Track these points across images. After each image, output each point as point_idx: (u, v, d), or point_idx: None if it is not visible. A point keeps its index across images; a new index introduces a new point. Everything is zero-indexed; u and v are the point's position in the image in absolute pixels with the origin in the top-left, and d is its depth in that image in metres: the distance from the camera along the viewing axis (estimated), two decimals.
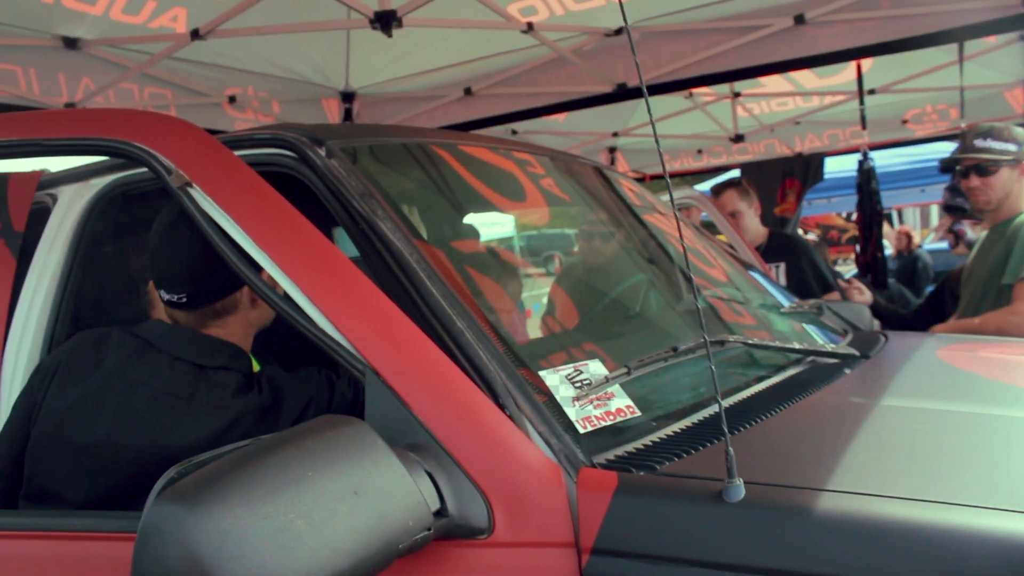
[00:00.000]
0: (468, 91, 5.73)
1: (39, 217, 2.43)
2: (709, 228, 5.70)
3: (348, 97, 5.95)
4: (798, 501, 1.29)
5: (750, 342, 2.06)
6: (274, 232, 1.62)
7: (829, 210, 13.46)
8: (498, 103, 5.72)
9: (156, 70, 4.87)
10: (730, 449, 1.31)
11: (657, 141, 1.38)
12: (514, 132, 7.11)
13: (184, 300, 1.90)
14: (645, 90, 1.39)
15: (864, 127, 6.04)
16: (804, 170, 8.69)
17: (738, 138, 7.62)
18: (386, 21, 3.49)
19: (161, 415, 1.75)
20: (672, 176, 9.86)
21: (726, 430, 1.34)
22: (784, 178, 8.80)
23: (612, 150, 8.79)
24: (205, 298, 1.90)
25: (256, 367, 2.00)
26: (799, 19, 4.54)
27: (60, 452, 1.81)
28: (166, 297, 1.92)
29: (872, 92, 6.39)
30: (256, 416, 1.74)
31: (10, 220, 2.45)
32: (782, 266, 4.91)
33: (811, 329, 2.66)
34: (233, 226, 1.63)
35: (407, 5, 3.58)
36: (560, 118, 7.12)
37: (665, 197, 4.69)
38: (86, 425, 1.79)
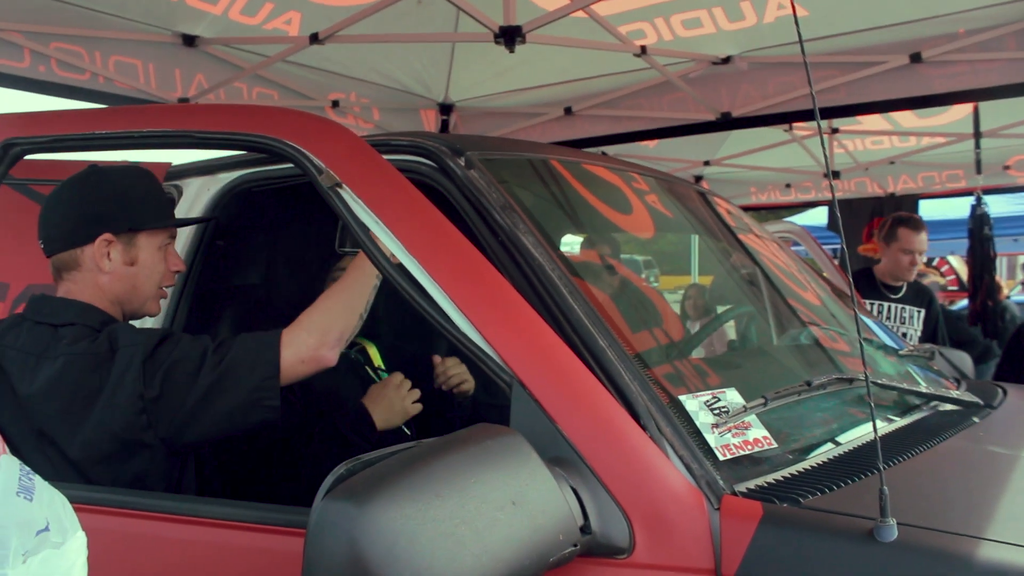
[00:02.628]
0: (568, 110, 5.73)
1: None
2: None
3: (446, 109, 5.98)
4: (956, 548, 1.26)
5: (880, 382, 2.02)
6: (423, 238, 1.63)
7: None
8: (598, 124, 5.70)
9: (266, 71, 4.96)
10: (884, 487, 1.28)
11: (829, 173, 1.37)
12: (603, 154, 7.09)
13: (42, 246, 2.03)
14: (817, 112, 1.38)
15: (979, 171, 5.88)
16: (895, 211, 8.45)
17: (833, 174, 7.48)
18: (510, 36, 3.52)
19: (16, 370, 1.89)
20: (758, 209, 9.74)
21: (881, 467, 1.32)
22: (872, 217, 8.59)
23: (698, 179, 8.68)
24: (51, 246, 2.02)
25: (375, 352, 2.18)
26: (915, 57, 4.45)
27: None
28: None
29: (978, 135, 6.23)
30: (88, 361, 1.83)
31: None
32: (923, 312, 4.79)
33: (921, 373, 2.59)
34: (382, 229, 1.65)
35: (532, 22, 3.60)
36: (651, 143, 7.07)
37: (771, 227, 4.62)
38: None
